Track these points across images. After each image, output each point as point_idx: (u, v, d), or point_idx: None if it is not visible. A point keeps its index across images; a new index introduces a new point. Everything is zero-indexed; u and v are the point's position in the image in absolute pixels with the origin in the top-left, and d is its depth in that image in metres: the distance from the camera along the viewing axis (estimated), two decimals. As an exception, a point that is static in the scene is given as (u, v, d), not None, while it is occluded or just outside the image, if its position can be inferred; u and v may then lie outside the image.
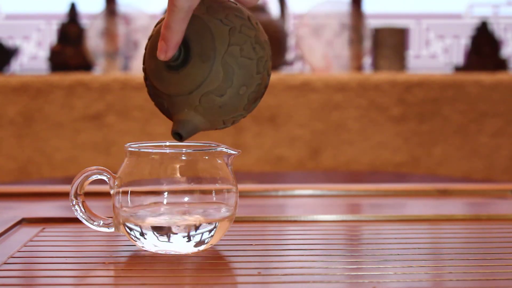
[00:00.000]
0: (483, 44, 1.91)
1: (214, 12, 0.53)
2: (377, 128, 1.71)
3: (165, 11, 0.52)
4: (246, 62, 0.53)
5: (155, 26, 0.55)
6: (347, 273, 0.51)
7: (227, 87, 0.53)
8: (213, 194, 0.56)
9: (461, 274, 0.51)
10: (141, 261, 0.54)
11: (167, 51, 0.52)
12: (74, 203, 0.57)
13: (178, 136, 0.53)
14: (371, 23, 1.91)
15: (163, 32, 0.52)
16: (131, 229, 0.55)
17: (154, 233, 0.54)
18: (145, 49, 0.56)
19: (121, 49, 1.91)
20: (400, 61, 1.87)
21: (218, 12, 0.53)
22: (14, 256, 0.55)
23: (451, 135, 1.72)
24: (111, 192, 0.56)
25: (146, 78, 0.56)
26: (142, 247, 0.56)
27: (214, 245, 0.58)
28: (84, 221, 0.58)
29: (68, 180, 0.61)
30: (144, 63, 0.55)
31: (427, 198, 0.84)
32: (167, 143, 0.59)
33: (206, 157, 0.57)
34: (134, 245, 0.57)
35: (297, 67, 2.02)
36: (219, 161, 0.57)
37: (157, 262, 0.54)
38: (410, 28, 2.15)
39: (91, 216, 0.58)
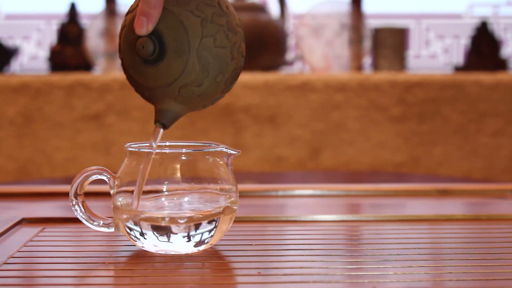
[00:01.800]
0: (483, 44, 1.91)
1: (185, 3, 0.53)
2: (377, 128, 1.71)
3: None
4: (220, 51, 0.54)
5: (126, 15, 0.56)
6: (347, 273, 0.51)
7: (204, 78, 0.54)
8: (213, 194, 0.56)
9: (461, 274, 0.51)
10: (141, 261, 0.54)
11: (148, 25, 0.52)
12: (74, 203, 0.57)
13: (161, 124, 0.55)
14: (371, 23, 1.91)
15: (141, 7, 0.52)
16: (131, 229, 0.55)
17: (154, 233, 0.54)
18: (119, 38, 0.56)
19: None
20: (400, 61, 1.87)
21: (189, 3, 0.53)
22: (14, 256, 0.55)
23: (451, 135, 1.72)
24: (111, 192, 0.56)
25: (124, 68, 0.57)
26: (142, 247, 0.56)
27: (214, 245, 0.58)
28: (84, 221, 0.58)
29: (68, 180, 0.61)
30: (120, 53, 0.56)
31: (427, 198, 0.84)
32: (167, 143, 0.59)
33: (206, 157, 0.57)
34: (134, 245, 0.57)
35: (297, 67, 2.02)
36: (219, 161, 0.57)
37: (157, 262, 0.54)
38: (410, 28, 2.15)
39: (91, 216, 0.58)
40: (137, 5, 0.54)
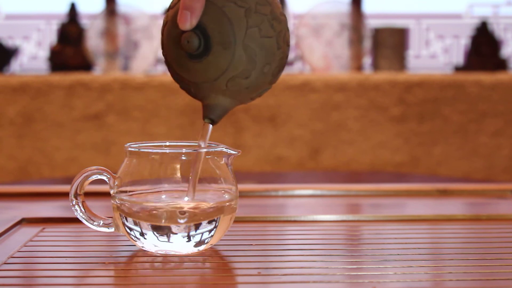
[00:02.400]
0: (483, 44, 1.91)
1: None
2: (377, 128, 1.71)
3: None
4: (266, 41, 0.53)
5: (167, 11, 0.55)
6: (347, 273, 0.51)
7: (251, 69, 0.53)
8: (213, 194, 0.56)
9: (461, 274, 0.51)
10: (141, 261, 0.54)
11: (192, 19, 0.52)
12: (74, 203, 0.57)
13: (210, 120, 0.55)
14: (371, 23, 1.91)
15: (184, 1, 0.52)
16: (131, 229, 0.55)
17: (154, 233, 0.54)
18: (162, 35, 0.56)
19: (121, 49, 1.91)
20: (400, 61, 1.87)
21: None
22: (14, 256, 0.55)
23: (451, 135, 1.72)
24: (111, 192, 0.56)
25: (168, 65, 0.56)
26: (142, 247, 0.56)
27: (214, 245, 0.58)
28: (84, 221, 0.58)
29: (68, 180, 0.61)
30: (163, 49, 0.56)
31: (427, 198, 0.84)
32: (167, 143, 0.59)
33: (206, 157, 0.57)
34: (134, 245, 0.57)
35: (297, 67, 2.02)
36: (219, 161, 0.57)
37: (157, 262, 0.54)
38: (410, 28, 2.15)
39: (91, 216, 0.58)
40: (179, 0, 0.53)
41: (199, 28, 0.52)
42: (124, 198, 0.55)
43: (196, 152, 0.55)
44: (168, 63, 0.56)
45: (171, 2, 0.55)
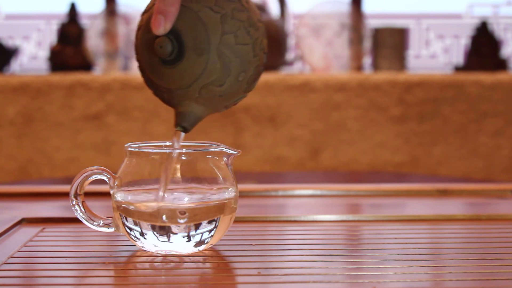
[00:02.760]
0: (483, 44, 1.91)
1: None
2: (377, 128, 1.71)
3: None
4: (242, 48, 0.52)
5: (142, 15, 0.55)
6: (347, 273, 0.51)
7: (226, 77, 0.52)
8: (213, 194, 0.56)
9: (461, 274, 0.51)
10: (141, 261, 0.54)
11: (165, 24, 0.50)
12: (74, 203, 0.57)
13: (182, 128, 0.54)
14: (371, 23, 1.91)
15: (158, 5, 0.50)
16: (131, 229, 0.55)
17: (154, 233, 0.54)
18: (136, 39, 0.55)
19: (121, 49, 1.91)
20: (400, 61, 1.87)
21: None
22: (14, 256, 0.55)
23: (451, 135, 1.72)
24: (111, 192, 0.56)
25: (142, 70, 0.55)
26: (142, 247, 0.56)
27: (214, 245, 0.58)
28: (84, 221, 0.58)
29: (68, 180, 0.61)
30: (137, 54, 0.54)
31: (427, 198, 0.84)
32: (167, 143, 0.59)
33: (206, 157, 0.57)
34: (134, 245, 0.57)
35: (297, 67, 2.02)
36: (219, 161, 0.57)
37: (157, 262, 0.54)
38: (410, 28, 2.15)
39: (91, 216, 0.58)
40: (153, 4, 0.52)
41: (173, 33, 0.51)
42: (124, 198, 0.55)
43: (168, 154, 0.54)
44: (141, 68, 0.54)
45: (147, 6, 0.54)
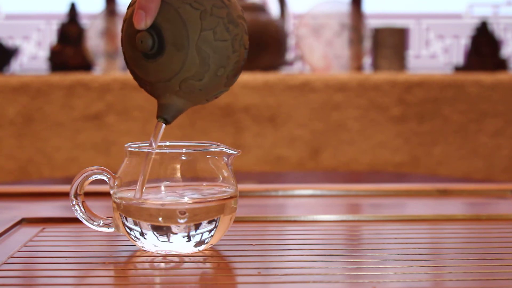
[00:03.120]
0: (483, 44, 1.91)
1: None
2: (377, 128, 1.71)
3: None
4: (221, 44, 0.53)
5: (128, 9, 0.55)
6: (347, 273, 0.51)
7: (204, 72, 0.53)
8: (213, 194, 0.56)
9: (461, 274, 0.51)
10: (141, 261, 0.54)
11: (146, 19, 0.52)
12: (74, 203, 0.57)
13: (163, 120, 0.55)
14: (371, 23, 1.91)
15: (139, 0, 0.51)
16: (131, 229, 0.55)
17: (154, 233, 0.54)
18: (121, 32, 0.56)
19: (121, 49, 1.91)
20: (400, 61, 1.87)
21: None
22: (14, 256, 0.55)
23: (451, 135, 1.72)
24: (111, 192, 0.56)
25: (126, 63, 0.56)
26: (142, 247, 0.56)
27: (214, 245, 0.58)
28: (84, 221, 0.58)
29: (68, 180, 0.61)
30: (122, 47, 0.56)
31: (427, 198, 0.84)
32: (167, 143, 0.59)
33: (206, 157, 0.57)
34: (134, 245, 0.57)
35: (297, 67, 2.02)
36: (219, 161, 0.57)
37: (157, 262, 0.54)
38: (410, 28, 2.15)
39: (91, 216, 0.58)
40: None
41: (154, 28, 0.52)
42: (124, 198, 0.55)
43: (146, 152, 0.55)
44: (126, 61, 0.56)
45: (132, 0, 0.55)
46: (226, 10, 0.53)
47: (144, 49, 0.53)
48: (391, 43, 1.86)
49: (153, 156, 0.55)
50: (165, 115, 0.55)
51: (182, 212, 0.54)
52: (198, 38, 0.52)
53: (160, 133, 0.55)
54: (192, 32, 0.52)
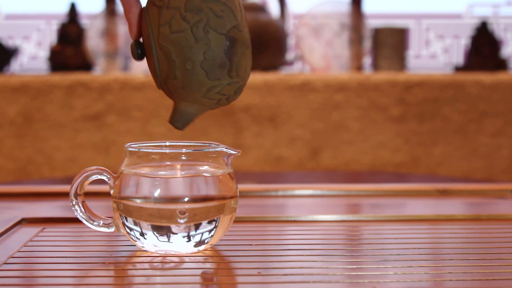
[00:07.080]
0: (483, 44, 1.91)
1: None
2: (377, 128, 1.71)
3: None
4: (178, 36, 0.50)
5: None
6: (347, 273, 0.51)
7: (174, 69, 0.51)
8: (213, 194, 0.56)
9: (461, 274, 0.51)
10: (141, 261, 0.54)
11: (131, 33, 0.53)
12: (74, 203, 0.57)
13: (174, 126, 0.55)
14: (371, 23, 1.91)
15: (124, 14, 0.53)
16: (131, 229, 0.55)
17: (154, 233, 0.54)
18: None
19: (121, 49, 1.91)
20: (400, 61, 1.87)
21: None
22: (14, 256, 0.55)
23: (451, 135, 1.72)
24: (111, 192, 0.56)
25: None
26: (142, 247, 0.56)
27: (214, 245, 0.58)
28: (84, 221, 0.58)
29: (68, 180, 0.61)
30: None
31: (427, 198, 0.84)
32: (167, 143, 0.59)
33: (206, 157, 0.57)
34: (134, 245, 0.57)
35: (297, 67, 2.02)
36: (219, 161, 0.57)
37: (157, 262, 0.54)
38: (410, 28, 2.15)
39: (91, 216, 0.58)
40: None
41: (139, 36, 0.53)
42: (124, 198, 0.55)
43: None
44: None
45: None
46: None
47: (134, 58, 0.53)
48: (391, 43, 1.86)
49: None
50: (174, 123, 0.55)
51: (182, 212, 0.54)
52: (158, 35, 0.51)
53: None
54: (154, 31, 0.51)
